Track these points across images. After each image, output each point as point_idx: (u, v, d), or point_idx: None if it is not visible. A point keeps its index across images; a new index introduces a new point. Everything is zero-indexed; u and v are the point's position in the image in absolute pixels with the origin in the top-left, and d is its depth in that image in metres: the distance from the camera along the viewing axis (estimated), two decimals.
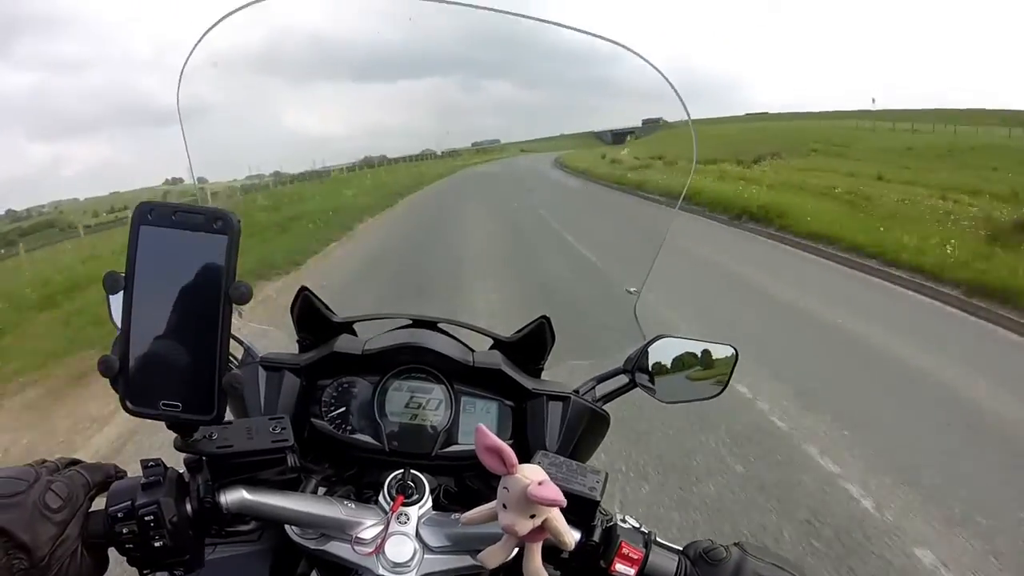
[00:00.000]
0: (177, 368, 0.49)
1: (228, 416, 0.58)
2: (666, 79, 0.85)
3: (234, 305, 0.49)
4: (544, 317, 0.93)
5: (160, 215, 0.48)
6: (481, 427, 0.53)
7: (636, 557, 0.56)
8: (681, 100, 0.87)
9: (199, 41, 0.83)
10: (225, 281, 0.47)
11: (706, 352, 0.86)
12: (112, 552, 0.54)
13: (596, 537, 0.56)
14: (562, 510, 0.54)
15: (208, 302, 0.48)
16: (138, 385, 0.49)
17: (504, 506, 0.53)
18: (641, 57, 0.85)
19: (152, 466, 0.54)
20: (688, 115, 0.90)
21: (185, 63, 0.85)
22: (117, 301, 0.50)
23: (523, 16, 0.80)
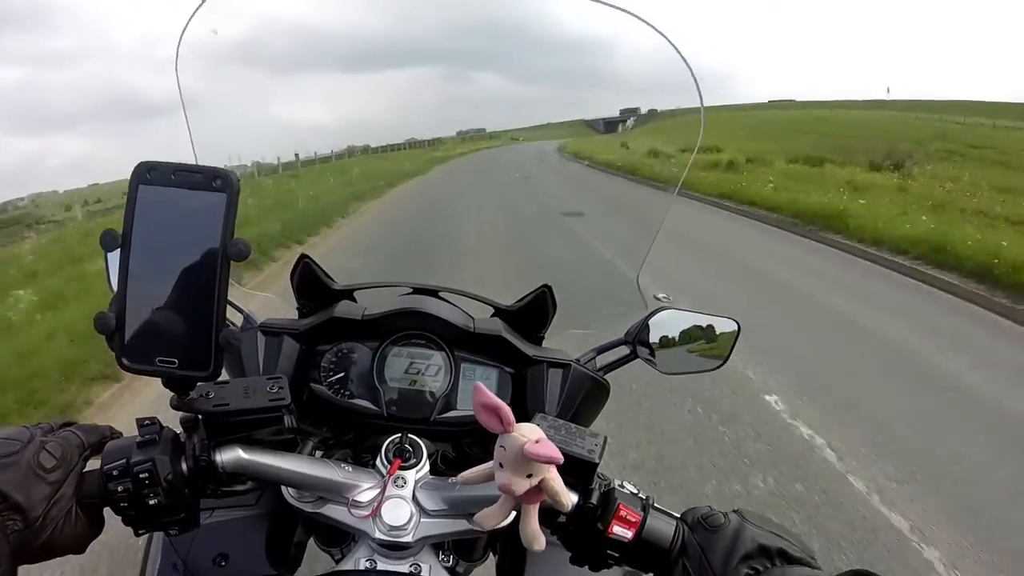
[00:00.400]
0: (174, 325, 0.48)
1: (226, 378, 0.58)
2: (684, 60, 0.83)
3: (232, 267, 0.48)
4: (546, 286, 0.92)
5: (159, 174, 0.48)
6: (479, 385, 0.52)
7: (634, 520, 0.56)
8: (696, 83, 0.85)
9: (192, 16, 0.83)
10: (223, 238, 0.47)
11: (708, 325, 0.86)
12: (107, 514, 0.54)
13: (594, 500, 0.56)
14: (560, 472, 0.54)
15: (206, 260, 0.47)
16: (134, 341, 0.48)
17: (501, 465, 0.53)
18: (660, 33, 0.83)
19: (148, 424, 0.54)
20: (701, 99, 0.88)
21: (178, 45, 0.84)
22: (115, 259, 0.49)
23: None
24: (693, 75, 0.84)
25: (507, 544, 0.82)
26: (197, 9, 0.82)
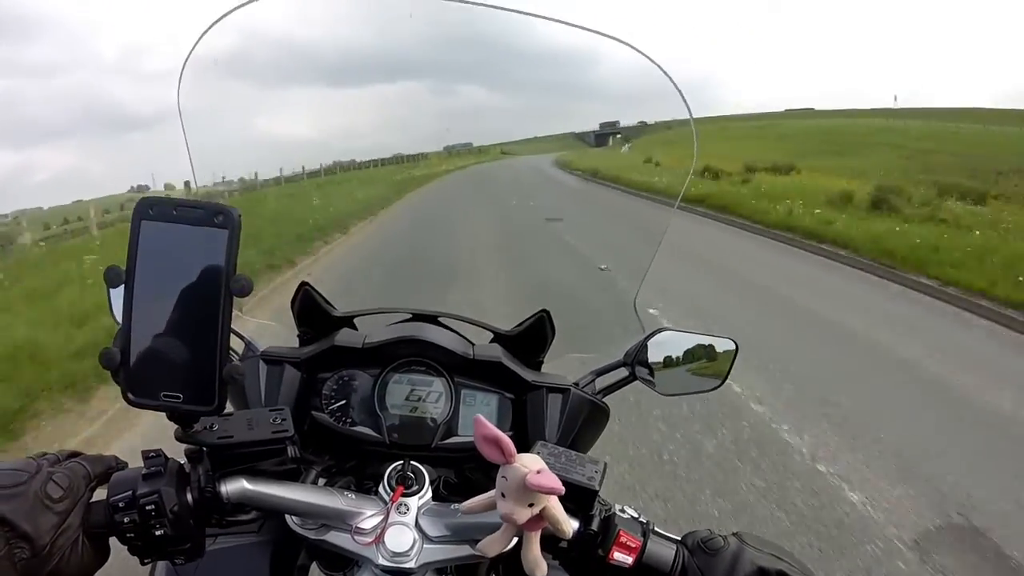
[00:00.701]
0: (178, 360, 0.49)
1: (229, 409, 0.58)
2: (668, 76, 0.85)
3: (235, 299, 0.49)
4: (544, 311, 0.93)
5: (161, 210, 0.49)
6: (479, 417, 0.53)
7: (634, 546, 0.56)
8: (684, 99, 0.86)
9: (199, 39, 0.84)
10: (226, 274, 0.48)
11: (706, 345, 0.87)
12: (113, 543, 0.54)
13: (594, 526, 0.57)
14: (561, 499, 0.54)
15: (209, 295, 0.48)
16: (139, 377, 0.49)
17: (503, 495, 0.53)
18: (648, 57, 0.85)
19: (153, 456, 0.54)
20: (690, 113, 0.90)
21: (185, 63, 0.86)
22: (118, 295, 0.51)
23: (518, 11, 0.80)
24: (680, 92, 0.86)
25: (509, 569, 0.82)
26: (204, 34, 0.83)
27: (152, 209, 0.49)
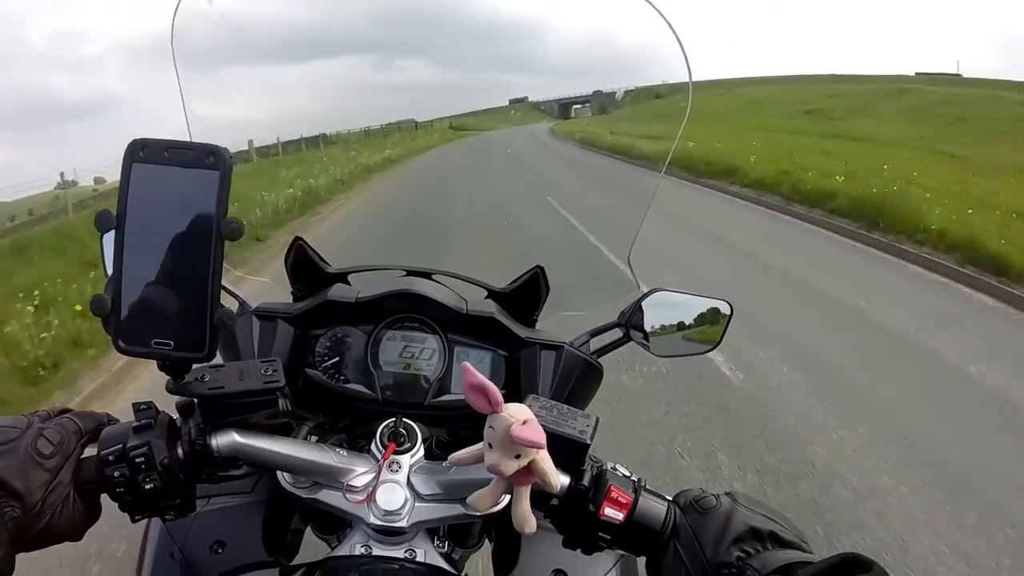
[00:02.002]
0: (169, 306, 0.48)
1: (221, 363, 0.58)
2: (674, 32, 0.83)
3: (227, 248, 0.48)
4: (538, 267, 0.92)
5: (152, 152, 0.48)
6: (467, 365, 0.52)
7: (625, 502, 0.56)
8: (687, 59, 0.85)
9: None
10: (217, 217, 0.47)
11: (701, 306, 0.86)
12: (105, 501, 0.54)
13: (585, 481, 0.56)
14: (552, 454, 0.54)
15: (200, 238, 0.48)
16: (130, 324, 0.49)
17: (490, 446, 0.53)
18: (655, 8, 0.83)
19: (144, 409, 0.54)
20: (690, 75, 0.88)
21: (173, 19, 0.83)
22: (109, 241, 0.50)
23: None
24: (682, 48, 0.84)
25: (502, 531, 0.82)
26: None
27: (143, 151, 0.48)
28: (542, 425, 0.53)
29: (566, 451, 0.56)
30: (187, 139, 0.92)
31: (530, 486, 0.55)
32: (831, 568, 0.45)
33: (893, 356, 4.08)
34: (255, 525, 0.75)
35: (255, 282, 1.00)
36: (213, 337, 0.49)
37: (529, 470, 0.53)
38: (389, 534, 0.64)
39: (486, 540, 0.85)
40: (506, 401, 0.53)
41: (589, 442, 0.56)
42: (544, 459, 0.53)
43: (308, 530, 0.85)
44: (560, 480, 0.55)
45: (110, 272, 0.50)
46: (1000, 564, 2.22)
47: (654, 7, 0.83)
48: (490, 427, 0.52)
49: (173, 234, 0.48)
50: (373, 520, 0.62)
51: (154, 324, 0.49)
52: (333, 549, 0.77)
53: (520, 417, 0.51)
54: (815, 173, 9.71)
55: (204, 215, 0.47)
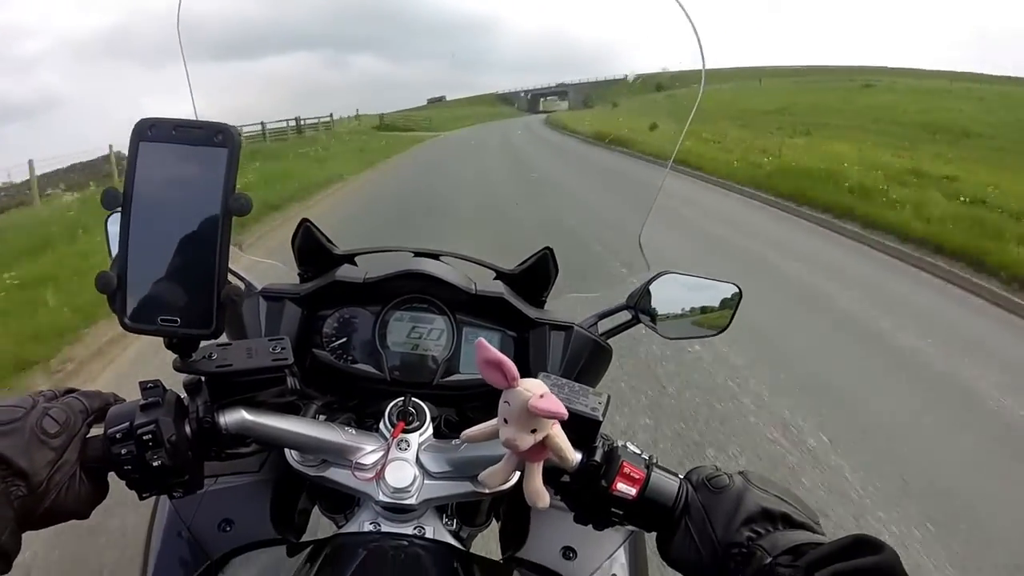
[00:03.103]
0: (176, 283, 0.48)
1: (228, 342, 0.57)
2: (691, 21, 0.82)
3: (232, 232, 0.48)
4: (548, 248, 0.92)
5: (160, 131, 0.48)
6: (482, 340, 0.52)
7: (638, 477, 0.55)
8: (701, 49, 0.84)
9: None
10: (225, 193, 0.47)
11: (710, 289, 0.86)
12: (112, 479, 0.54)
13: (597, 457, 0.56)
14: (564, 430, 0.54)
15: (208, 215, 0.47)
16: (136, 301, 0.48)
17: (505, 421, 0.52)
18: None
19: (151, 387, 0.54)
20: (704, 65, 0.87)
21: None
22: (114, 221, 0.49)
23: None
24: (699, 43, 0.83)
25: (510, 509, 0.83)
26: None
27: (151, 130, 0.48)
28: None
29: (578, 428, 0.55)
30: (195, 116, 0.92)
31: (542, 462, 0.55)
32: (841, 549, 0.45)
33: None
34: (263, 503, 0.75)
35: (262, 264, 0.99)
36: (220, 313, 0.49)
37: (543, 445, 0.53)
38: (398, 511, 0.64)
39: (493, 519, 0.86)
40: None
41: (601, 419, 0.56)
42: (559, 434, 0.53)
43: (315, 509, 0.85)
44: (574, 455, 0.55)
45: (115, 251, 0.50)
46: None
47: None
48: (505, 402, 0.52)
49: (180, 211, 0.48)
50: (382, 497, 0.62)
51: (160, 301, 0.48)
52: (341, 527, 0.77)
53: (536, 391, 0.51)
54: None
55: (212, 192, 0.47)
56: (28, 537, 0.49)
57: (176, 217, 0.48)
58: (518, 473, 0.58)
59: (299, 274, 0.93)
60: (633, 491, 0.55)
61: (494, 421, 0.55)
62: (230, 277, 0.51)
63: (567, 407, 0.54)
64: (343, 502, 0.80)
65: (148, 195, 0.48)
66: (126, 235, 0.48)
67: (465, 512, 0.80)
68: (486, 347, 0.51)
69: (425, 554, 0.63)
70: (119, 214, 0.48)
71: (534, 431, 0.52)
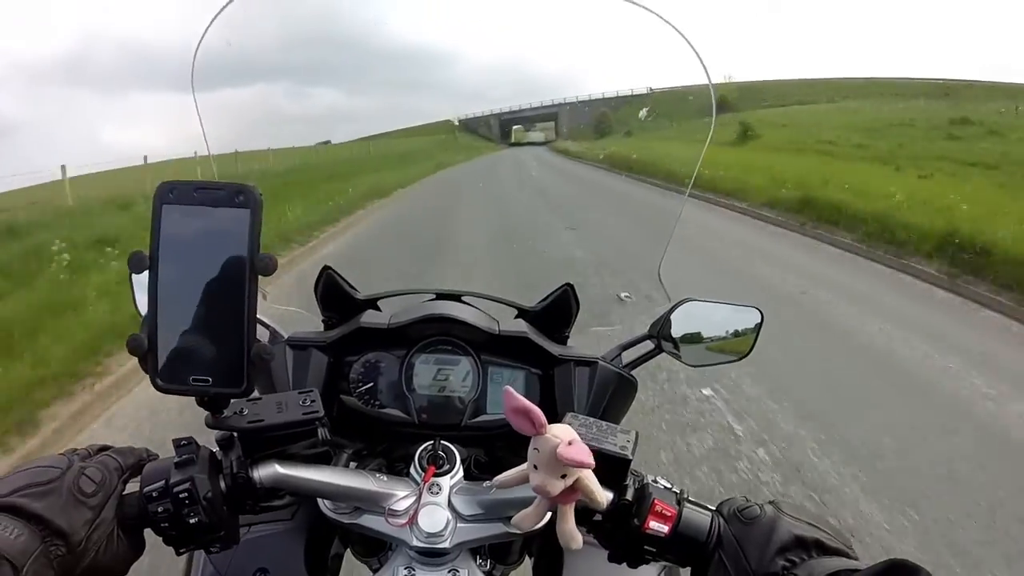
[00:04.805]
0: (205, 343, 0.49)
1: (258, 396, 0.58)
2: (687, 40, 0.83)
3: (260, 281, 0.49)
4: (568, 284, 0.92)
5: (181, 193, 0.49)
6: (509, 389, 0.53)
7: (670, 514, 0.55)
8: (703, 65, 0.85)
9: (210, 24, 0.84)
10: (250, 254, 0.48)
11: (731, 314, 0.85)
12: (148, 535, 0.55)
13: (628, 496, 0.56)
14: (594, 470, 0.54)
15: (234, 276, 0.48)
16: (167, 362, 0.49)
17: (535, 467, 0.53)
18: (662, 18, 0.83)
19: (184, 444, 0.55)
20: (710, 80, 0.88)
21: (196, 51, 0.86)
22: (140, 283, 0.51)
23: None
24: (699, 58, 0.84)
25: (543, 546, 0.82)
26: (213, 19, 0.84)
27: (172, 192, 0.49)
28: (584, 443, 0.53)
29: (608, 467, 0.55)
30: (208, 153, 0.94)
31: (574, 504, 0.55)
32: (877, 575, 0.44)
33: None
34: (297, 551, 0.75)
35: (286, 311, 1.01)
36: (250, 372, 0.50)
37: (574, 488, 0.53)
38: (432, 555, 0.64)
39: (526, 557, 0.85)
40: None
41: (631, 457, 0.56)
42: (589, 477, 0.53)
43: (348, 553, 0.85)
44: (604, 496, 0.55)
45: (143, 312, 0.51)
46: None
47: (662, 17, 0.83)
48: (535, 449, 0.52)
49: (206, 272, 0.48)
50: (416, 542, 0.62)
51: (191, 361, 0.49)
52: (375, 571, 0.77)
53: (565, 438, 0.51)
54: None
55: (236, 252, 0.48)
56: None
57: (203, 278, 0.48)
58: (550, 513, 0.58)
59: (323, 320, 0.95)
60: (666, 528, 0.55)
61: (524, 466, 0.55)
62: (258, 331, 0.52)
63: (596, 448, 0.54)
64: (376, 546, 0.80)
65: (173, 257, 0.48)
66: (154, 297, 0.49)
67: (498, 551, 0.80)
68: (513, 395, 0.52)
69: None
70: (142, 273, 0.49)
71: (564, 476, 0.52)
